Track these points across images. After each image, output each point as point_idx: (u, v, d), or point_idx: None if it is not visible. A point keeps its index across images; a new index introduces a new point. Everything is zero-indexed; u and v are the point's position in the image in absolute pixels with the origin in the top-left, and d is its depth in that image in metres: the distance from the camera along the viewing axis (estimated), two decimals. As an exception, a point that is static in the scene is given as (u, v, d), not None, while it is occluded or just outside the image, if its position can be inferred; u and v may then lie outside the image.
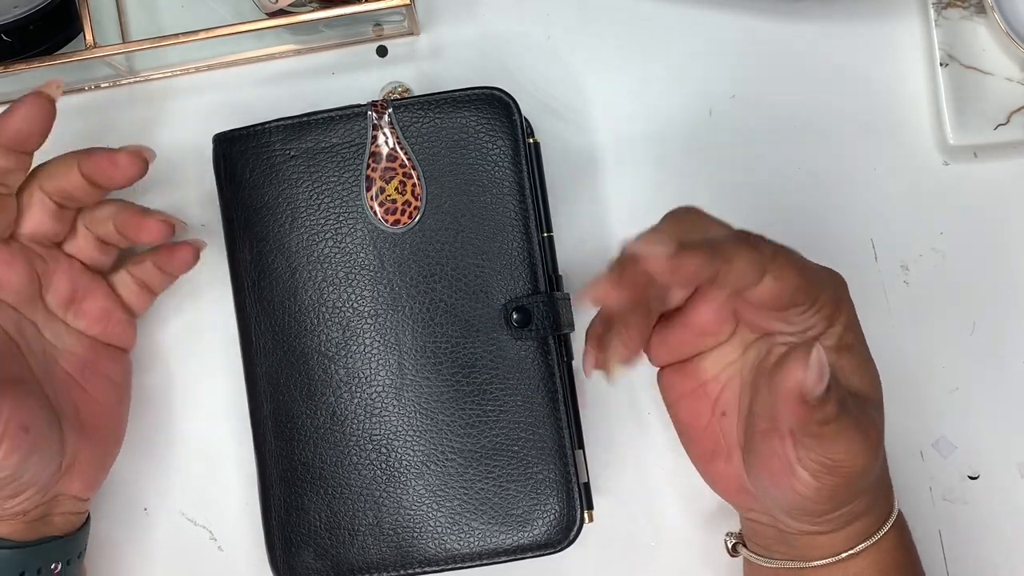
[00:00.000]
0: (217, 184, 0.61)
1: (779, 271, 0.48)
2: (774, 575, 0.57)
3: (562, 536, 0.57)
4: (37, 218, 0.57)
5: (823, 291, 0.49)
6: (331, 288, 0.59)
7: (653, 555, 0.64)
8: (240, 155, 0.60)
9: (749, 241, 0.48)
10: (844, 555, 0.54)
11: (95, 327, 0.59)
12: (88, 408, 0.58)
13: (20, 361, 0.56)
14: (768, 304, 0.48)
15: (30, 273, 0.56)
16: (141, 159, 0.56)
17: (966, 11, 0.64)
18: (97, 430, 0.58)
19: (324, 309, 0.59)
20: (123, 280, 0.61)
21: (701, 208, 0.53)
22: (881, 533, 0.54)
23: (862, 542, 0.54)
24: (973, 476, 0.64)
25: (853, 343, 0.51)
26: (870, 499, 0.53)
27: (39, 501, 0.56)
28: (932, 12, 0.64)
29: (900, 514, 0.56)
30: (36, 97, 0.54)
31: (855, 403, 0.49)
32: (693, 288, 0.54)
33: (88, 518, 0.60)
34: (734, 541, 0.59)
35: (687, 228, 0.52)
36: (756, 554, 0.57)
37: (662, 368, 0.57)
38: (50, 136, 0.66)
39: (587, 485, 0.59)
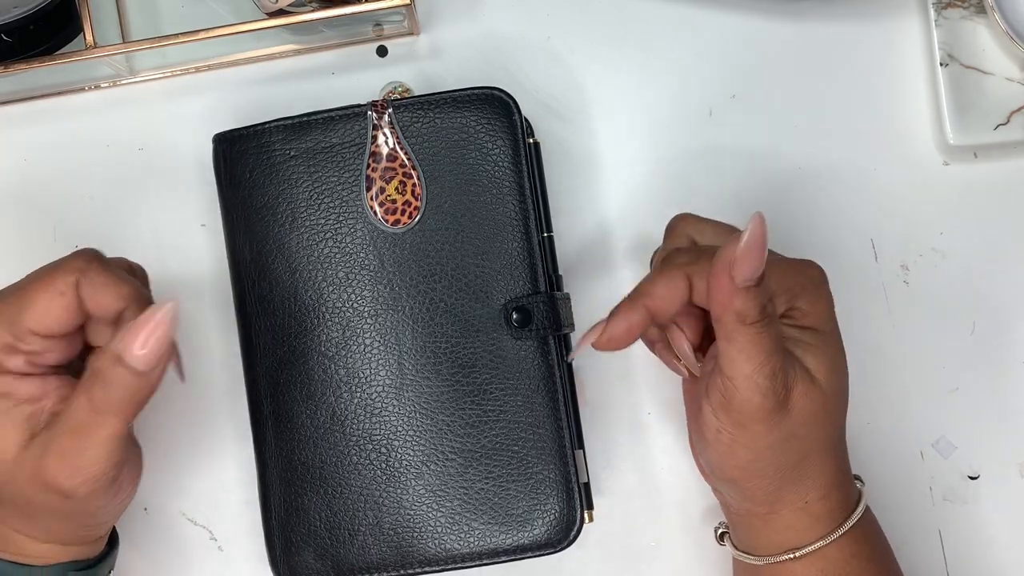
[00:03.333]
0: (217, 184, 0.61)
1: (700, 273, 0.51)
2: (741, 569, 0.58)
3: (562, 536, 0.57)
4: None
5: (774, 272, 0.51)
6: (331, 288, 0.59)
7: (653, 555, 0.64)
8: (240, 155, 0.60)
9: (665, 262, 0.53)
10: (783, 557, 0.54)
11: None
12: None
13: None
14: (712, 299, 0.49)
15: None
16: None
17: (966, 11, 0.64)
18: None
19: (324, 309, 0.59)
20: None
21: (691, 213, 0.56)
22: (826, 541, 0.54)
23: (802, 546, 0.54)
24: (973, 476, 0.64)
25: (816, 326, 0.52)
26: (801, 486, 0.53)
27: (112, 525, 0.58)
28: (932, 12, 0.64)
29: (860, 530, 0.55)
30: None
31: (784, 346, 0.50)
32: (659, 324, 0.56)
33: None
34: (723, 530, 0.59)
35: (675, 238, 0.56)
36: (731, 544, 0.58)
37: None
38: (50, 136, 0.66)
39: (587, 485, 0.59)
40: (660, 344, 0.57)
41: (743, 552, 0.57)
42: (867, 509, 0.55)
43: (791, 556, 0.54)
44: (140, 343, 0.48)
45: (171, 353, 0.49)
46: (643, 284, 0.52)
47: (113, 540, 0.59)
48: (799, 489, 0.53)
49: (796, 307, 0.52)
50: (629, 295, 0.52)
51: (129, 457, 0.52)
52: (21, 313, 0.51)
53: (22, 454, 0.50)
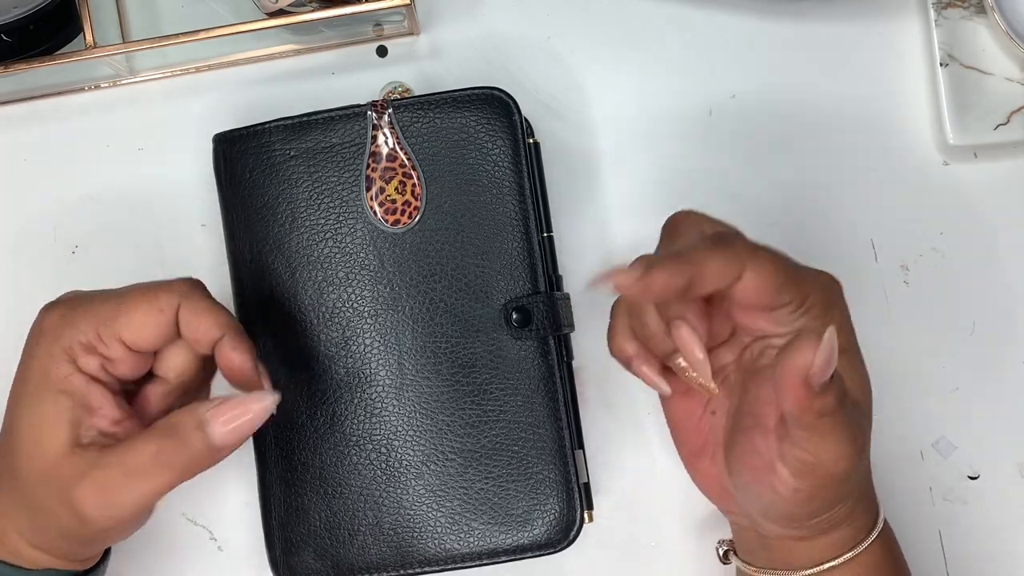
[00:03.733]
0: (217, 184, 0.61)
1: (758, 268, 0.48)
2: None
3: (562, 536, 0.57)
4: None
5: (812, 291, 0.49)
6: (331, 288, 0.59)
7: (653, 555, 0.64)
8: (240, 155, 0.60)
9: (724, 241, 0.49)
10: (825, 567, 0.53)
11: None
12: None
13: None
14: (753, 302, 0.48)
15: None
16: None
17: (966, 11, 0.64)
18: None
19: (324, 309, 0.59)
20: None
21: (695, 210, 0.54)
22: (863, 546, 0.53)
23: (842, 554, 0.53)
24: (973, 476, 0.64)
25: (845, 346, 0.51)
26: (849, 509, 0.53)
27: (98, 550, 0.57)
28: (932, 12, 0.64)
29: (887, 527, 0.55)
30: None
31: (850, 403, 0.49)
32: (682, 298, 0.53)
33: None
34: (725, 548, 0.59)
35: (683, 233, 0.53)
36: (744, 561, 0.57)
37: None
38: (50, 136, 0.66)
39: (587, 485, 0.59)
40: (639, 359, 0.54)
41: (766, 569, 0.55)
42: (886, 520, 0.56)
43: (830, 566, 0.53)
44: (227, 420, 0.49)
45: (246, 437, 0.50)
46: (696, 252, 0.48)
47: (105, 552, 0.59)
48: (852, 510, 0.53)
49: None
50: (675, 254, 0.48)
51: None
52: (117, 318, 0.51)
53: (64, 461, 0.50)
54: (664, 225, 0.54)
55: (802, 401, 0.46)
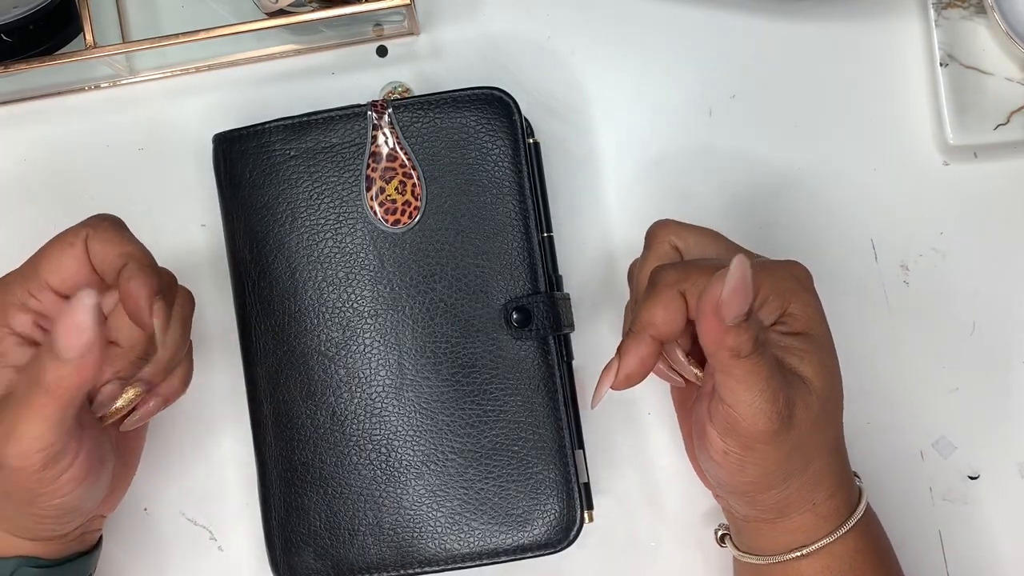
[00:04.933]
0: (217, 184, 0.61)
1: (692, 287, 0.51)
2: (742, 569, 0.57)
3: (562, 536, 0.57)
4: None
5: (764, 281, 0.51)
6: (331, 288, 0.59)
7: (653, 555, 0.64)
8: (240, 155, 0.60)
9: (653, 282, 0.52)
10: (793, 555, 0.54)
11: None
12: (124, 434, 0.57)
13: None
14: (703, 337, 0.49)
15: None
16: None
17: (966, 11, 0.64)
18: (130, 453, 0.58)
19: (324, 309, 0.59)
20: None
21: (670, 219, 0.57)
22: (832, 537, 0.54)
23: (810, 542, 0.54)
24: (973, 476, 0.64)
25: (807, 330, 0.52)
26: (803, 492, 0.53)
27: (78, 525, 0.56)
28: (932, 12, 0.64)
29: (870, 522, 0.55)
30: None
31: (778, 364, 0.50)
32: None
33: (101, 537, 0.60)
34: (723, 532, 0.59)
35: (653, 248, 0.56)
36: (732, 544, 0.58)
37: None
38: (50, 136, 0.66)
39: (587, 485, 0.59)
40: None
41: (746, 553, 0.57)
42: (867, 505, 0.55)
43: (799, 554, 0.54)
44: (62, 330, 0.47)
45: (96, 344, 0.47)
46: (642, 312, 0.52)
47: (95, 546, 0.59)
48: (807, 493, 0.53)
49: (788, 313, 0.52)
50: (632, 328, 0.52)
51: (71, 448, 0.51)
52: (37, 266, 0.53)
53: None
54: (646, 234, 0.57)
55: (715, 333, 0.48)
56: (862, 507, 0.55)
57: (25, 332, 0.53)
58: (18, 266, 0.55)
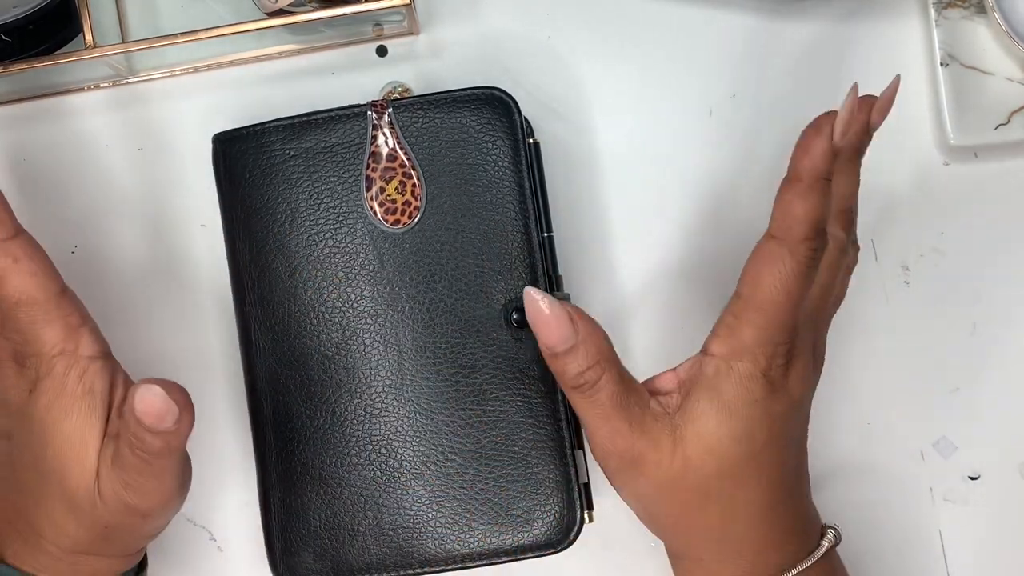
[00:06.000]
0: (217, 184, 0.61)
1: None
2: None
3: (562, 536, 0.57)
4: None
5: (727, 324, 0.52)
6: (331, 288, 0.59)
7: (653, 555, 0.64)
8: (240, 155, 0.60)
9: None
10: None
11: None
12: None
13: None
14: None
15: None
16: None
17: (966, 11, 0.64)
18: None
19: (324, 309, 0.59)
20: None
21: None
22: None
23: None
24: (973, 476, 0.64)
25: (703, 393, 0.52)
26: (704, 546, 0.53)
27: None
28: (932, 12, 0.64)
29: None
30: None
31: (628, 408, 0.51)
32: None
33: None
34: None
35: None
36: None
37: None
38: (50, 136, 0.66)
39: (587, 485, 0.59)
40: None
41: None
42: (819, 566, 0.54)
43: None
44: (154, 422, 0.48)
45: (183, 409, 0.49)
46: None
47: (143, 562, 0.60)
48: (691, 546, 0.54)
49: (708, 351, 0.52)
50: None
51: (186, 470, 0.54)
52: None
53: (101, 477, 0.52)
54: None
55: (553, 367, 0.51)
56: (798, 569, 0.53)
57: (97, 351, 0.54)
58: None
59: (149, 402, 0.48)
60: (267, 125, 0.60)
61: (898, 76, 0.51)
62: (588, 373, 0.50)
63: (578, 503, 0.58)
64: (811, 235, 0.49)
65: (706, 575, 0.54)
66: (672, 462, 0.51)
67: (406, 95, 0.65)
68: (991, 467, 0.64)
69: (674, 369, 0.53)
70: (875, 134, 0.65)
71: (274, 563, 0.59)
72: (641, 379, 0.63)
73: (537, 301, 0.49)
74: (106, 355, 0.54)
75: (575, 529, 0.58)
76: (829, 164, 0.49)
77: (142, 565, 0.59)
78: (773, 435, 0.51)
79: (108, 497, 0.51)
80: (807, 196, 0.49)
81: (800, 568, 0.52)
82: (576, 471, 0.58)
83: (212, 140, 0.60)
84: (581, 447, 0.60)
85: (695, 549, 0.54)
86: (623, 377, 0.51)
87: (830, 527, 0.55)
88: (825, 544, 0.54)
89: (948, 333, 0.64)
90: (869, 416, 0.64)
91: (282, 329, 0.59)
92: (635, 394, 0.51)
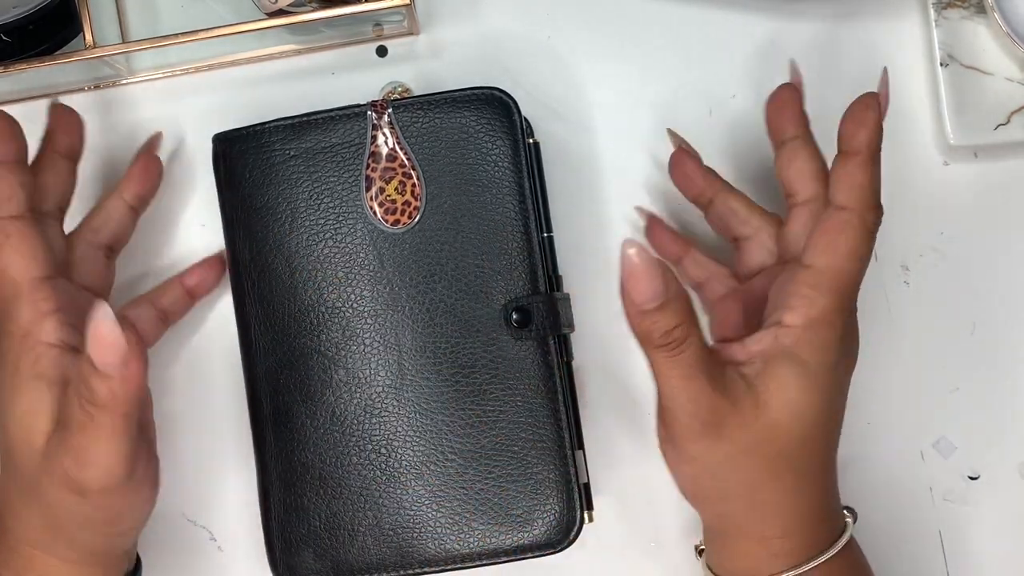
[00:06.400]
0: (216, 184, 0.61)
1: None
2: None
3: (562, 536, 0.57)
4: (87, 265, 0.60)
5: (774, 275, 0.56)
6: (331, 288, 0.59)
7: (653, 555, 0.64)
8: (240, 155, 0.60)
9: None
10: None
11: None
12: None
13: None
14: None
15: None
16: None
17: (966, 11, 0.64)
18: None
19: (324, 309, 0.59)
20: (143, 314, 0.61)
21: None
22: (800, 570, 0.53)
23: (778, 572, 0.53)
24: (973, 476, 0.64)
25: (790, 351, 0.52)
26: (748, 521, 0.53)
27: (131, 544, 0.57)
28: (932, 12, 0.64)
29: (835, 567, 0.54)
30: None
31: (713, 368, 0.50)
32: None
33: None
34: (702, 546, 0.59)
35: None
36: (705, 564, 0.58)
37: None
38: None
39: (587, 485, 0.59)
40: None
41: (708, 568, 0.57)
42: (849, 549, 0.55)
43: None
44: (99, 355, 0.48)
45: (134, 352, 0.48)
46: None
47: (137, 566, 0.59)
48: (753, 521, 0.53)
49: (781, 323, 0.52)
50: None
51: (141, 454, 0.52)
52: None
53: (47, 449, 0.51)
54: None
55: (628, 315, 0.49)
56: (827, 555, 0.53)
57: (57, 339, 0.53)
58: None
59: (99, 322, 0.47)
60: (267, 125, 0.60)
61: (886, 70, 0.53)
62: (676, 331, 0.49)
63: (578, 503, 0.58)
64: (878, 202, 0.52)
65: (768, 553, 0.53)
66: (756, 425, 0.51)
67: (406, 95, 0.65)
68: (991, 467, 0.64)
69: (740, 342, 0.53)
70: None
71: (274, 563, 0.59)
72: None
73: (632, 256, 0.47)
74: (70, 348, 0.53)
75: (575, 529, 0.58)
76: (881, 135, 0.52)
77: None
78: (842, 403, 0.54)
79: (53, 472, 0.51)
80: (869, 166, 0.52)
81: (843, 540, 0.54)
82: (576, 471, 0.58)
83: (212, 140, 0.60)
84: (581, 447, 0.60)
85: (759, 524, 0.53)
86: (704, 340, 0.51)
87: (844, 507, 0.56)
88: (850, 520, 0.55)
89: (948, 333, 0.64)
90: (869, 416, 0.64)
91: (282, 329, 0.59)
92: (715, 356, 0.52)
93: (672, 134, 0.62)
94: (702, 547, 0.59)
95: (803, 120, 0.57)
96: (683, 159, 0.61)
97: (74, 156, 0.59)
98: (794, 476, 0.52)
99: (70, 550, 0.54)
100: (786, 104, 0.57)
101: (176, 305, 0.63)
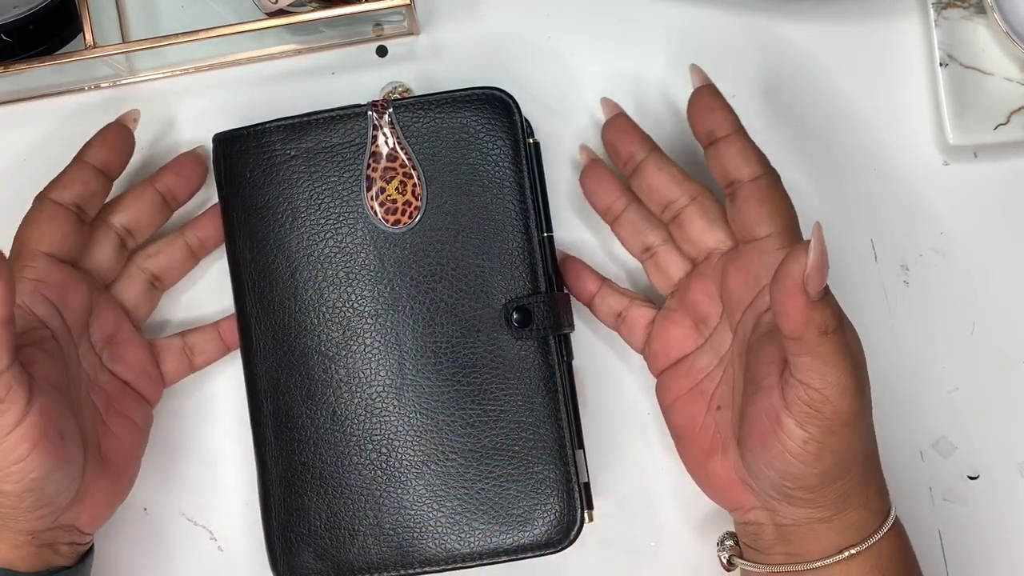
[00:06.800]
0: (217, 184, 0.61)
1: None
2: None
3: (562, 536, 0.57)
4: (101, 252, 0.60)
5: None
6: (331, 288, 0.59)
7: (653, 555, 0.64)
8: (240, 155, 0.60)
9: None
10: (845, 554, 0.53)
11: (128, 374, 0.60)
12: (108, 443, 0.58)
13: (62, 373, 0.55)
14: (786, 317, 0.49)
15: (88, 300, 0.58)
16: (201, 161, 0.62)
17: (966, 11, 0.64)
18: (112, 467, 0.58)
19: (324, 309, 0.59)
20: (134, 276, 0.62)
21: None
22: (880, 533, 0.54)
23: (862, 540, 0.53)
24: (973, 476, 0.64)
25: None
26: (860, 482, 0.53)
27: (49, 524, 0.55)
28: (932, 12, 0.64)
29: (899, 522, 0.55)
30: (116, 125, 0.60)
31: (850, 329, 0.51)
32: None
33: (92, 548, 0.59)
34: (728, 555, 0.59)
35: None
36: (754, 561, 0.57)
37: (659, 374, 0.59)
38: (50, 136, 0.66)
39: (587, 485, 0.59)
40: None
41: (784, 564, 0.55)
42: (899, 525, 0.56)
43: (849, 554, 0.53)
44: None
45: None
46: None
47: (86, 554, 0.59)
48: (861, 485, 0.54)
49: None
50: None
51: (32, 400, 0.51)
52: (22, 239, 0.57)
53: None
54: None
55: (803, 312, 0.47)
56: (892, 504, 0.55)
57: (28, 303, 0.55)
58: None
59: None
60: (267, 125, 0.60)
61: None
62: (838, 312, 0.50)
63: (578, 503, 0.58)
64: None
65: (869, 512, 0.54)
66: (865, 382, 0.52)
67: (406, 95, 0.65)
68: (990, 467, 0.64)
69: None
70: (875, 134, 0.65)
71: (274, 563, 0.59)
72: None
73: (824, 242, 0.47)
74: (35, 317, 0.55)
75: (575, 529, 0.58)
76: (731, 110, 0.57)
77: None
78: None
79: None
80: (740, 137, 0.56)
81: (892, 516, 0.55)
82: (576, 470, 0.58)
83: (212, 140, 0.60)
84: (581, 446, 0.60)
85: (867, 484, 0.54)
86: None
87: None
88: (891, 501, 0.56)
89: (948, 333, 0.64)
90: (869, 416, 0.64)
91: (282, 329, 0.59)
92: None
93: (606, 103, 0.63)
94: (730, 555, 0.59)
95: (732, 117, 0.58)
96: (597, 167, 0.62)
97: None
98: (859, 436, 0.52)
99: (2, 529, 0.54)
100: (708, 107, 0.58)
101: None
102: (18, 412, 0.51)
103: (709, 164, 0.57)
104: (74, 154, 0.60)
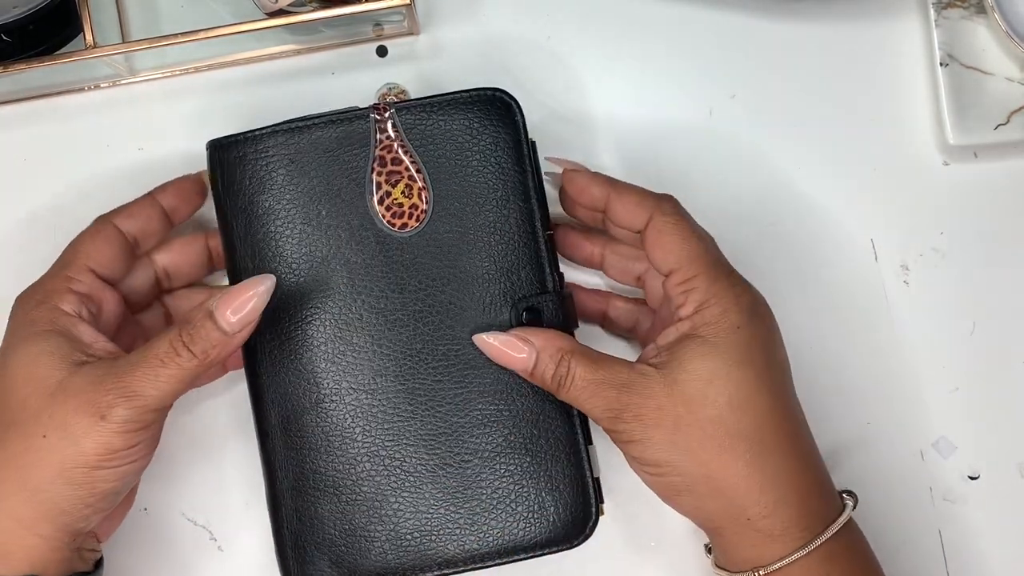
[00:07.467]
0: (212, 191, 0.59)
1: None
2: None
3: (579, 530, 0.57)
4: (138, 281, 0.61)
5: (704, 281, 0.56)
6: (338, 295, 0.58)
7: (653, 555, 0.64)
8: (237, 161, 0.58)
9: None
10: (745, 574, 0.54)
11: None
12: None
13: None
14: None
15: (119, 318, 0.60)
16: (200, 183, 0.62)
17: (966, 11, 0.64)
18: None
19: (331, 316, 0.58)
20: (154, 307, 0.63)
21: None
22: (786, 561, 0.53)
23: (767, 564, 0.53)
24: (973, 476, 0.64)
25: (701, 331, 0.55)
26: (726, 507, 0.53)
27: (92, 525, 0.55)
28: (932, 12, 0.64)
29: (837, 547, 0.54)
30: (195, 178, 0.61)
31: (609, 368, 0.54)
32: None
33: (102, 559, 0.59)
34: (712, 560, 0.59)
35: None
36: (717, 566, 0.57)
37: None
38: (50, 136, 0.66)
39: (598, 479, 0.59)
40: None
41: (719, 568, 0.57)
42: (849, 531, 0.55)
43: (757, 574, 0.54)
44: (235, 308, 0.53)
45: (255, 323, 0.53)
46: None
47: (98, 562, 0.58)
48: (728, 504, 0.53)
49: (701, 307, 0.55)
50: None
51: (158, 424, 0.54)
52: (75, 252, 0.58)
53: (69, 381, 0.52)
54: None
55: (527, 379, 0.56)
56: (829, 532, 0.53)
57: (73, 310, 0.56)
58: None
59: (261, 283, 0.53)
60: (264, 130, 0.58)
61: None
62: (559, 370, 0.54)
63: (593, 497, 0.58)
64: (657, 194, 0.57)
65: (763, 537, 0.53)
66: (672, 403, 0.53)
67: (402, 96, 0.64)
68: (990, 467, 0.64)
69: (652, 343, 0.56)
70: (875, 134, 0.65)
71: (287, 572, 0.58)
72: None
73: (487, 341, 0.55)
74: (82, 321, 0.56)
75: (591, 523, 0.58)
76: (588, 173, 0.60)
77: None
78: (769, 357, 0.54)
79: (66, 404, 0.52)
80: (623, 187, 0.59)
81: (842, 520, 0.54)
82: (590, 465, 0.58)
83: (207, 147, 0.59)
84: (590, 442, 0.60)
85: (739, 507, 0.53)
86: (594, 356, 0.55)
87: (844, 491, 0.56)
88: (850, 502, 0.55)
89: (948, 333, 0.65)
90: (869, 416, 0.64)
91: (287, 337, 0.58)
92: (613, 363, 0.54)
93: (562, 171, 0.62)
94: (711, 545, 0.59)
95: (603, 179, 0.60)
96: (567, 233, 0.63)
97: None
98: (747, 445, 0.53)
99: (27, 506, 0.53)
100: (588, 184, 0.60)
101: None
102: (151, 433, 0.54)
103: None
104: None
